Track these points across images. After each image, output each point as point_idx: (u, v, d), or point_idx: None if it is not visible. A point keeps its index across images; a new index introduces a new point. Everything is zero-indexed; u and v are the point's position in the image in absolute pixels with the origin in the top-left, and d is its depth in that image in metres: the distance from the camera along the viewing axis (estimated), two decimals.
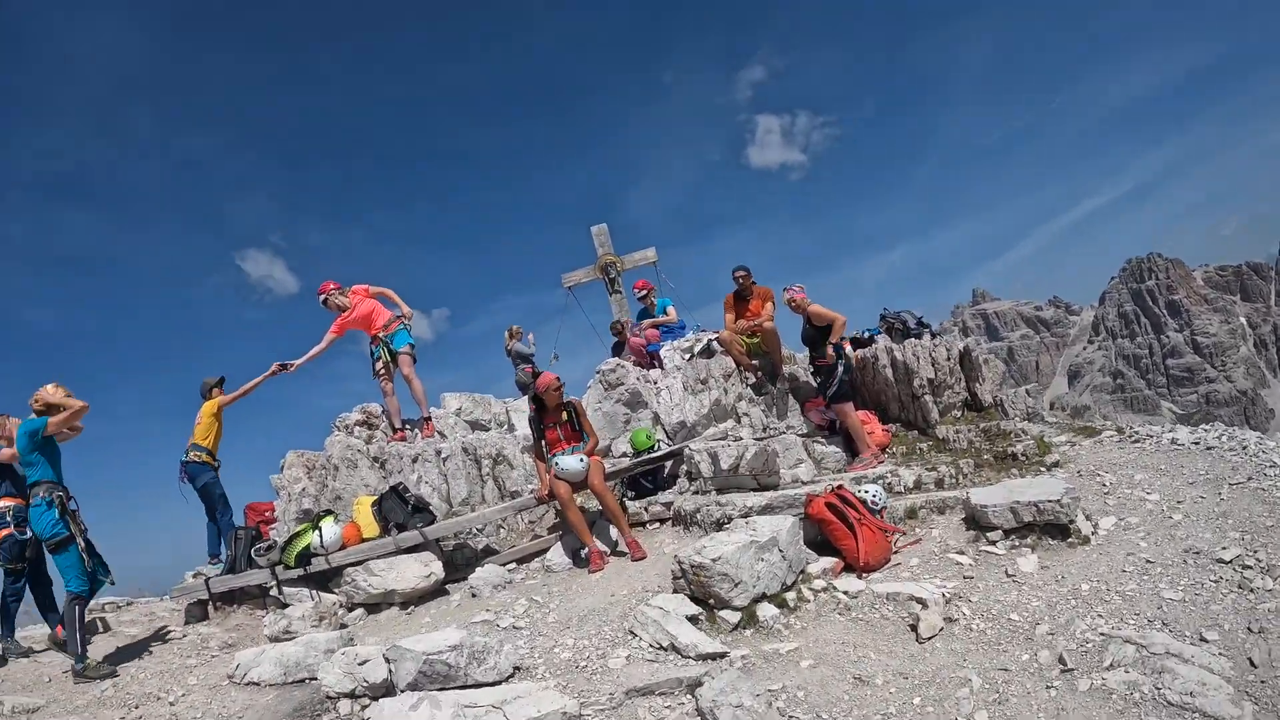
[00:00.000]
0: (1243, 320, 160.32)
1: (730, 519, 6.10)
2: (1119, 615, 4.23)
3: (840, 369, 7.78)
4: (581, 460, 6.53)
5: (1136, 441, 7.77)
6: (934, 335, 9.15)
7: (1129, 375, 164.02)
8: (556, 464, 6.52)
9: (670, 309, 11.26)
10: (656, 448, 7.95)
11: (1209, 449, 6.85)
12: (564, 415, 6.89)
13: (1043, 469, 7.05)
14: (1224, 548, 4.72)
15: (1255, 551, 4.59)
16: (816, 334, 7.93)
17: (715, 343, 9.15)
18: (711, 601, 4.72)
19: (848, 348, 9.55)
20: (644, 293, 11.60)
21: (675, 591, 4.92)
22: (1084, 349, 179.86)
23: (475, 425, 10.16)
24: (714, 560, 4.69)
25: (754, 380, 8.77)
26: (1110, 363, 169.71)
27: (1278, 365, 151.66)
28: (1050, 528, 5.35)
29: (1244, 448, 6.71)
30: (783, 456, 7.37)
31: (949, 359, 8.42)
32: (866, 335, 9.59)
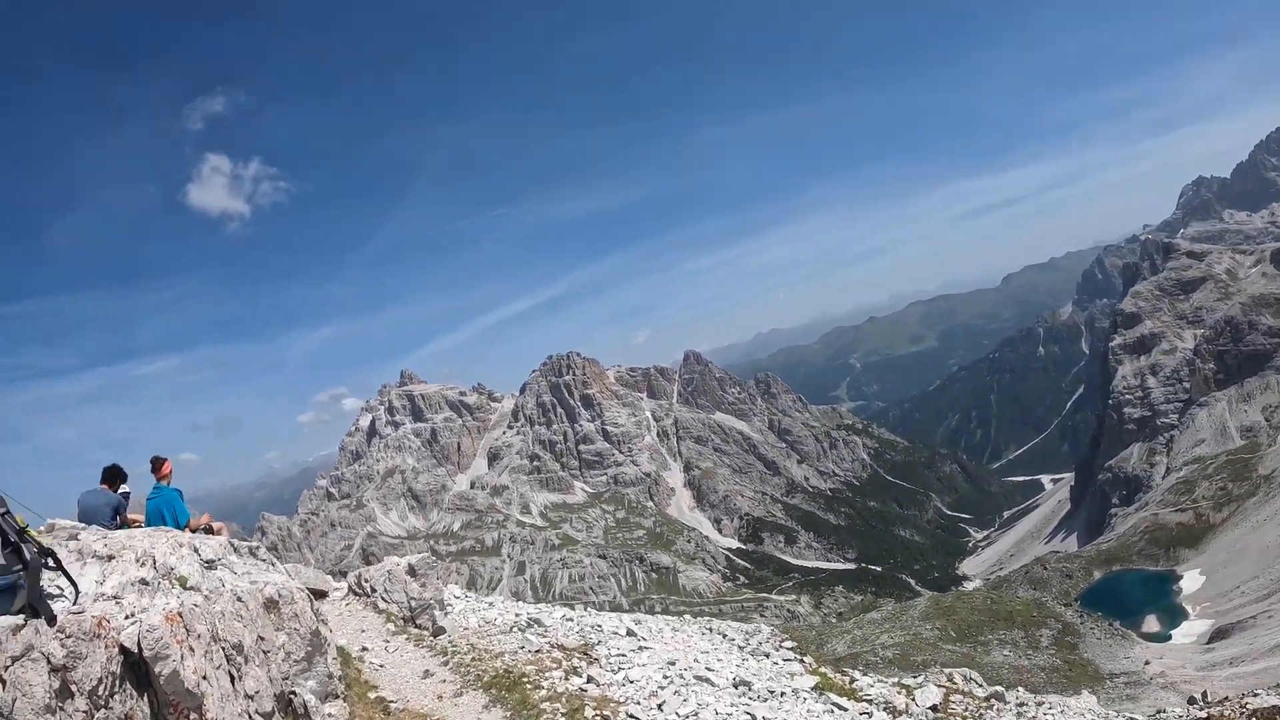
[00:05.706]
0: (648, 413, 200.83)
1: None
2: None
3: None
4: None
5: None
6: (52, 564, 4.40)
7: (545, 458, 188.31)
8: None
9: None
10: None
11: None
12: None
13: None
14: None
15: None
16: None
17: None
18: None
19: None
20: None
21: None
22: (504, 433, 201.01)
23: None
24: None
25: None
26: (528, 446, 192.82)
27: (677, 451, 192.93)
28: None
29: None
30: None
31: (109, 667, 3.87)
32: None
